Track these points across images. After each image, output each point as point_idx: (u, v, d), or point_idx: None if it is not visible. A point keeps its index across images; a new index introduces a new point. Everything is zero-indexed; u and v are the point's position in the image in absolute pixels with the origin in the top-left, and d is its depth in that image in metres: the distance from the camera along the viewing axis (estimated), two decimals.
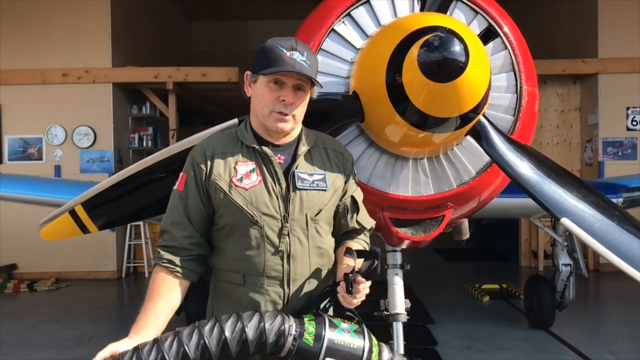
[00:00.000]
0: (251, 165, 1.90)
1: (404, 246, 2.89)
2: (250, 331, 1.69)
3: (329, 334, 1.73)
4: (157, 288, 1.85)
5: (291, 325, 1.73)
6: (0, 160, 8.33)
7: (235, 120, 2.15)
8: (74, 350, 5.15)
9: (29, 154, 8.36)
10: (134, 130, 9.00)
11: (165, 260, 1.86)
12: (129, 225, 8.43)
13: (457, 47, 1.85)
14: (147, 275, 8.56)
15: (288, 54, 1.82)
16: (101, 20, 8.30)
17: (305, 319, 1.78)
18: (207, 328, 1.69)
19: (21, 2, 8.27)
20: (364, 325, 1.82)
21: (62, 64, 8.22)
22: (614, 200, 4.70)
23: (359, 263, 1.82)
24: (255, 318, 1.72)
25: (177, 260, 1.86)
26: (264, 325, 1.70)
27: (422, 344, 5.13)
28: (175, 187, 1.93)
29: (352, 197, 2.03)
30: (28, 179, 6.28)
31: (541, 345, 5.18)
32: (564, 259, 5.42)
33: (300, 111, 1.91)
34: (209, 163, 1.89)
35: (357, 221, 2.04)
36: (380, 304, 3.23)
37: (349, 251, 1.85)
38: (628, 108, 8.23)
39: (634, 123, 8.21)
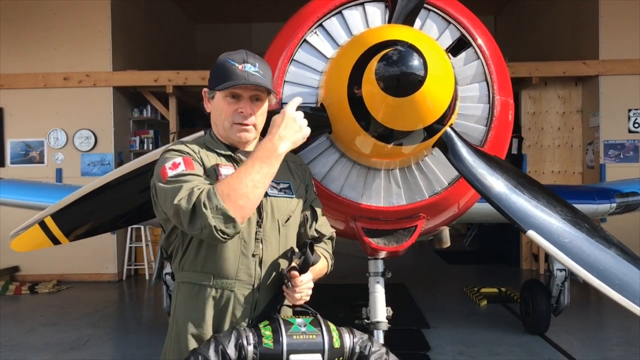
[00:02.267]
0: (231, 169, 1.93)
1: (380, 256, 2.89)
2: (213, 358, 1.75)
3: (286, 332, 1.81)
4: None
5: (247, 335, 1.80)
6: (3, 163, 8.43)
7: (202, 132, 2.16)
8: (68, 354, 5.20)
9: (31, 157, 8.45)
10: (135, 133, 9.08)
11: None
12: (129, 228, 8.50)
13: (415, 62, 1.84)
14: (147, 277, 8.61)
15: (240, 67, 1.88)
16: (102, 24, 8.38)
17: (261, 326, 1.84)
18: None
19: (23, 7, 8.36)
20: (318, 316, 1.91)
21: (64, 68, 8.30)
22: (607, 206, 4.68)
23: (297, 260, 1.90)
24: (212, 344, 1.78)
25: None
26: (223, 346, 1.76)
27: (414, 349, 5.12)
28: (180, 170, 1.79)
29: (311, 207, 2.11)
30: (29, 184, 6.33)
31: (536, 351, 5.14)
32: (559, 264, 5.38)
33: (261, 120, 1.98)
34: (199, 157, 1.90)
35: (315, 229, 2.12)
36: (362, 312, 3.23)
37: (286, 252, 1.95)
38: (630, 110, 8.14)
39: (636, 125, 8.12)
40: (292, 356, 1.79)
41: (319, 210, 2.11)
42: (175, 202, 1.72)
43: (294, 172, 2.07)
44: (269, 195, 1.95)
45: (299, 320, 1.86)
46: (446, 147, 2.17)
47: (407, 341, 5.35)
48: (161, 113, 9.05)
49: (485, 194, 2.14)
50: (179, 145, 1.94)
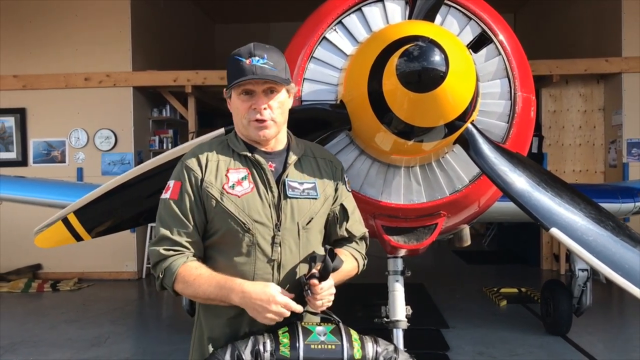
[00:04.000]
0: (243, 172, 1.90)
1: (400, 254, 2.87)
2: None
3: (304, 341, 1.76)
4: (203, 269, 1.86)
5: (265, 342, 1.76)
6: (26, 162, 8.56)
7: (222, 130, 2.17)
8: (89, 351, 5.26)
9: (53, 157, 8.57)
10: (154, 132, 9.15)
11: (193, 257, 1.88)
12: (149, 227, 8.57)
13: (436, 57, 1.83)
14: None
15: (247, 61, 1.84)
16: (122, 25, 8.46)
17: (279, 332, 1.80)
18: None
19: (45, 8, 8.48)
20: (341, 324, 1.85)
21: (84, 68, 8.39)
22: (631, 205, 4.60)
23: (318, 266, 1.85)
24: (229, 349, 1.76)
25: (191, 254, 1.89)
26: (239, 352, 1.74)
27: (433, 349, 5.08)
28: (167, 197, 1.89)
29: (342, 205, 2.03)
30: (52, 183, 6.44)
31: (556, 351, 5.07)
32: (580, 264, 5.29)
33: (279, 112, 1.90)
34: (202, 170, 1.89)
35: (346, 229, 2.05)
36: (382, 310, 3.21)
37: (307, 257, 1.90)
38: None
39: None
40: None
41: (350, 209, 2.03)
42: (151, 246, 1.92)
43: (322, 169, 2.00)
44: (290, 197, 1.90)
45: (319, 328, 1.82)
46: (467, 143, 2.15)
47: (426, 341, 5.31)
48: (180, 113, 9.11)
49: (507, 191, 2.12)
50: (190, 155, 1.94)
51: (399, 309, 3.13)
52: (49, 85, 8.43)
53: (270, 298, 1.75)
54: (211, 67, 9.30)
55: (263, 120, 1.87)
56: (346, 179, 2.09)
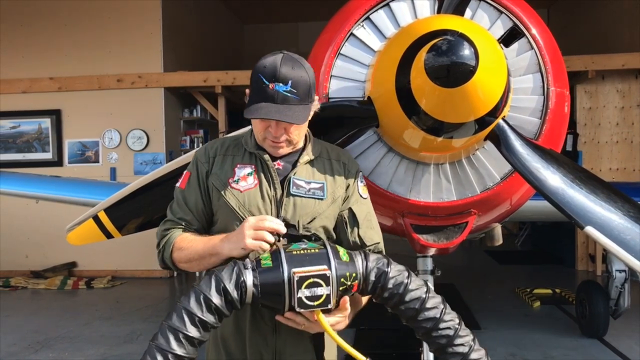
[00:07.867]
0: (249, 168, 1.92)
1: (430, 253, 2.82)
2: (215, 298, 1.62)
3: (285, 250, 1.69)
4: (198, 235, 1.90)
5: (245, 262, 1.69)
6: (61, 163, 8.77)
7: (249, 128, 2.16)
8: (122, 347, 5.36)
9: (87, 157, 8.76)
10: (185, 133, 9.27)
11: (183, 223, 1.93)
12: None
13: (466, 51, 1.78)
14: (197, 274, 8.76)
15: (270, 85, 1.75)
16: (153, 27, 8.60)
17: (261, 257, 1.73)
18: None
19: (80, 11, 8.68)
20: (326, 241, 1.77)
21: (117, 70, 8.56)
22: None
23: None
24: (213, 281, 1.65)
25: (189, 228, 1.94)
26: (224, 285, 1.63)
27: None
28: (177, 185, 2.00)
29: (350, 210, 1.96)
30: (86, 182, 6.57)
31: (593, 354, 4.95)
32: (618, 265, 5.16)
33: (296, 133, 1.88)
34: (210, 162, 1.95)
35: (358, 236, 1.96)
36: None
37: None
38: None
39: None
40: (295, 270, 1.62)
41: (361, 215, 1.95)
42: (158, 229, 2.00)
43: (335, 171, 1.95)
44: (293, 195, 1.87)
45: (301, 243, 1.75)
46: (499, 140, 2.09)
47: None
48: (210, 113, 9.21)
49: (540, 189, 2.05)
50: (203, 148, 2.02)
51: None
52: (83, 86, 8.63)
53: (245, 224, 1.75)
54: (240, 67, 9.37)
55: (279, 141, 1.87)
56: (360, 184, 1.99)
